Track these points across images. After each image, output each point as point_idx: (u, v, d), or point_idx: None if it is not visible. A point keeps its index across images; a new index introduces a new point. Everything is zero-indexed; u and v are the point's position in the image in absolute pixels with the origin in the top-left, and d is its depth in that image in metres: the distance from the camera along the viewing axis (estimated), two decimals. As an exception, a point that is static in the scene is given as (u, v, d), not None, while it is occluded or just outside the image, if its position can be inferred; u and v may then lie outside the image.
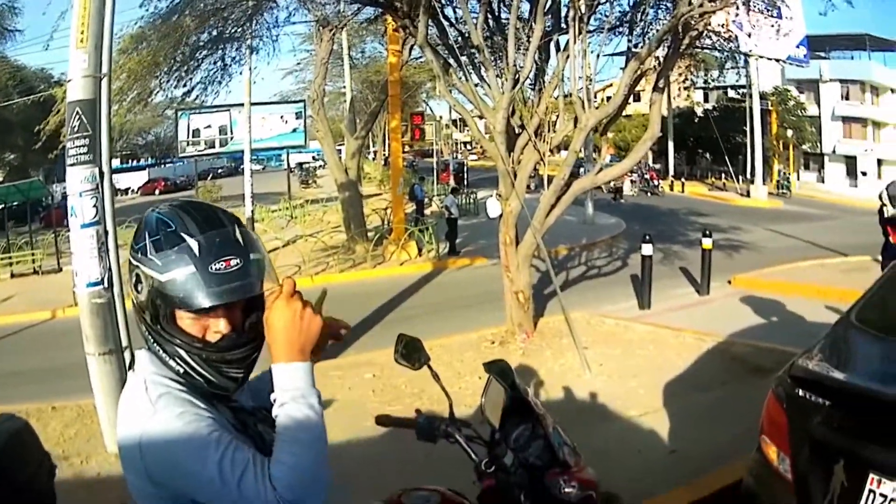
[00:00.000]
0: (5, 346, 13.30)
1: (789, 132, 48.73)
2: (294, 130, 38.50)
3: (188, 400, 1.55)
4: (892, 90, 49.36)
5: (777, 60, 38.23)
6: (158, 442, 1.48)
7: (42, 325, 15.08)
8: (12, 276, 21.99)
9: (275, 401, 1.60)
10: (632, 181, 40.57)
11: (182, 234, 1.58)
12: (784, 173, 45.46)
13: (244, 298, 1.64)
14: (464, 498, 2.46)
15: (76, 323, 6.44)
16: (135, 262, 1.60)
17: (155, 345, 1.64)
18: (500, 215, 9.73)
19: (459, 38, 10.49)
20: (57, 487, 3.11)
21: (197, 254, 1.57)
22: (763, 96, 43.98)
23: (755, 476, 3.34)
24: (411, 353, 2.63)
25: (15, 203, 29.39)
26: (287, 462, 1.52)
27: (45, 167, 45.38)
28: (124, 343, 6.30)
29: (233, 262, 1.59)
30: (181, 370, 1.62)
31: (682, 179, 45.92)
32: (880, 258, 9.38)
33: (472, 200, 30.77)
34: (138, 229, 1.63)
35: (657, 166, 49.05)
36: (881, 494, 2.57)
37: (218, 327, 1.64)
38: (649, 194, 40.03)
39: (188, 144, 38.13)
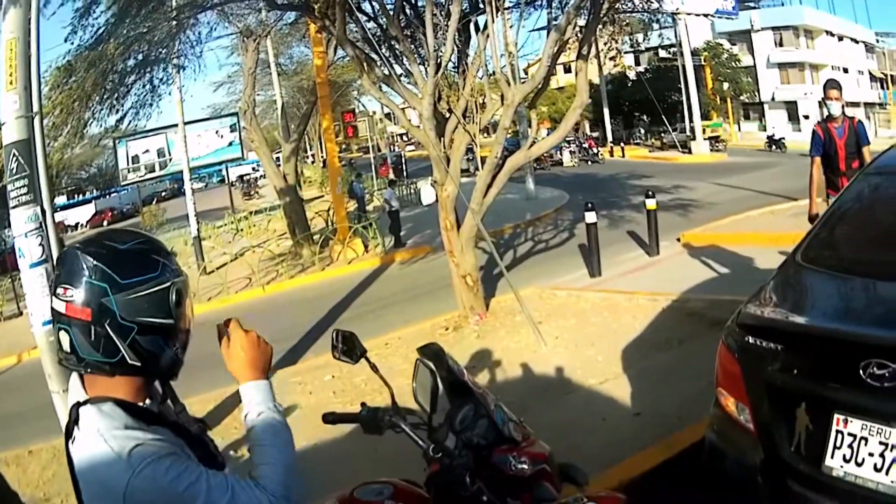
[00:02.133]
0: (-22, 398, 12.92)
1: (725, 85, 49.44)
2: (230, 144, 38.09)
3: (154, 442, 1.58)
4: (827, 32, 50.36)
5: (705, 16, 38.78)
6: (144, 498, 1.52)
7: (9, 371, 14.62)
8: (-26, 326, 21.30)
9: (246, 416, 1.83)
10: (570, 152, 40.89)
11: (165, 245, 1.83)
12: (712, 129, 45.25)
13: None
14: (418, 487, 2.42)
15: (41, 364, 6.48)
16: (166, 285, 1.72)
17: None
18: (436, 201, 9.63)
19: (379, 31, 10.50)
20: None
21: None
22: (695, 52, 44.49)
23: (717, 431, 3.25)
24: (350, 348, 2.60)
25: (-34, 253, 29.24)
26: (278, 461, 1.74)
27: (-6, 214, 44.30)
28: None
29: None
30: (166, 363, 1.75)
31: (622, 144, 46.38)
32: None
33: (412, 191, 31.06)
34: (136, 263, 1.70)
35: (595, 134, 49.49)
36: (849, 433, 2.54)
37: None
38: (589, 163, 40.37)
39: (129, 171, 37.65)
